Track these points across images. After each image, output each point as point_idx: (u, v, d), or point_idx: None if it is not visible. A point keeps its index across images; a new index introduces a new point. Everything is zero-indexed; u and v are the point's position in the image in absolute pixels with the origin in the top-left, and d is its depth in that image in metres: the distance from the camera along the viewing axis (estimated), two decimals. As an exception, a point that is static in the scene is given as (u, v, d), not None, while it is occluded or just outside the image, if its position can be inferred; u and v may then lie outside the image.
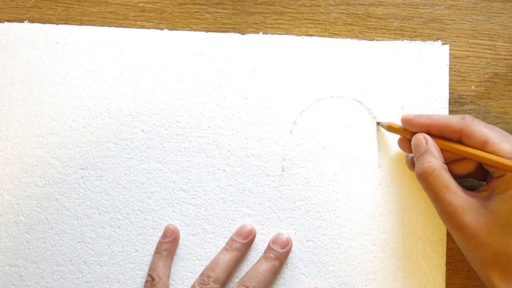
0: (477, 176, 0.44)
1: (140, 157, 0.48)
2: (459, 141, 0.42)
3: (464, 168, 0.43)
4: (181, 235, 0.47)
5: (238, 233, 0.46)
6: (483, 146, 0.40)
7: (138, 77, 0.49)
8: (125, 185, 0.47)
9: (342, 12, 0.50)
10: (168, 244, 0.46)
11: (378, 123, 0.48)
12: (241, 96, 0.48)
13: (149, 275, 0.45)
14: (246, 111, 0.48)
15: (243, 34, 0.50)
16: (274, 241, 0.46)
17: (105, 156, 0.48)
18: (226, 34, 0.50)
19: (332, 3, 0.50)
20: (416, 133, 0.44)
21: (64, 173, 0.47)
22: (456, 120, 0.42)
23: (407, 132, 0.45)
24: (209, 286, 0.43)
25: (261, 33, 0.50)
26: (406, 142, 0.46)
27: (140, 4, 0.50)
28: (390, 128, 0.46)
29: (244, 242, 0.46)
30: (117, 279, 0.46)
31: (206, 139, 0.48)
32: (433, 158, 0.41)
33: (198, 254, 0.46)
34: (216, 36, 0.49)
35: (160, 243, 0.46)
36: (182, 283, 0.46)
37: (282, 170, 0.48)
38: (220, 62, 0.49)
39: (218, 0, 0.51)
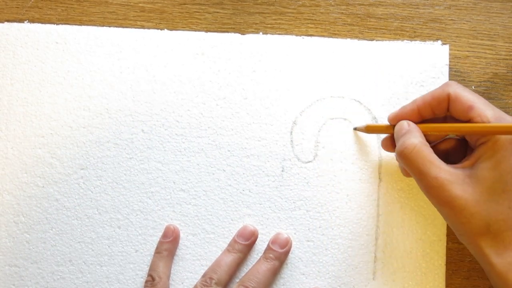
0: (457, 155, 0.44)
1: (140, 157, 0.48)
2: (447, 113, 0.42)
3: (445, 147, 0.43)
4: (181, 235, 0.47)
5: (240, 234, 0.46)
6: (468, 110, 0.40)
7: (138, 77, 0.49)
8: (125, 185, 0.47)
9: (342, 12, 0.50)
10: (169, 244, 0.46)
11: (354, 129, 0.48)
12: (241, 96, 0.48)
13: (149, 275, 0.45)
14: (246, 111, 0.48)
15: (243, 34, 0.50)
16: (273, 241, 0.46)
17: (105, 156, 0.48)
18: (226, 34, 0.50)
19: (332, 3, 0.50)
20: None
21: (64, 173, 0.47)
22: (441, 89, 0.41)
23: (389, 127, 0.44)
24: (211, 287, 0.43)
25: (261, 33, 0.50)
26: (389, 141, 0.45)
27: (140, 4, 0.50)
28: (369, 129, 0.46)
29: (246, 244, 0.46)
30: (117, 279, 0.46)
31: (206, 139, 0.48)
32: (414, 137, 0.41)
33: (198, 254, 0.46)
34: (216, 36, 0.49)
35: (160, 243, 0.46)
36: (182, 283, 0.46)
37: (282, 170, 0.48)
38: (220, 62, 0.49)
39: (218, 0, 0.50)
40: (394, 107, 0.48)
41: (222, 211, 0.47)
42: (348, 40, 0.50)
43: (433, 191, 0.39)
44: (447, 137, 0.44)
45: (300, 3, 0.50)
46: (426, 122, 0.43)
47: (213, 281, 0.44)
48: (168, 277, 0.45)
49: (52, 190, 0.47)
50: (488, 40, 0.50)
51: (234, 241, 0.46)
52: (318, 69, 0.49)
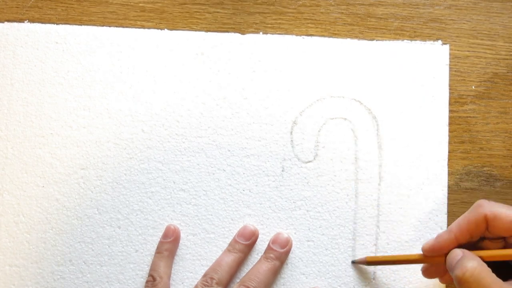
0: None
1: (140, 157, 0.48)
2: (485, 232, 0.40)
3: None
4: (181, 235, 0.47)
5: (241, 234, 0.46)
6: (511, 226, 0.39)
7: (138, 77, 0.49)
8: (125, 185, 0.47)
9: (342, 12, 0.50)
10: (169, 244, 0.46)
11: (353, 262, 0.46)
12: (241, 96, 0.48)
13: (150, 275, 0.45)
14: (246, 111, 0.48)
15: (243, 34, 0.50)
16: (274, 241, 0.46)
17: (105, 156, 0.48)
18: (226, 34, 0.49)
19: (332, 3, 0.50)
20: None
21: (64, 173, 0.47)
22: (475, 211, 0.40)
23: (392, 260, 0.44)
24: (212, 287, 0.43)
25: (261, 33, 0.50)
26: (428, 269, 0.43)
27: (140, 4, 0.50)
28: (371, 262, 0.44)
29: (246, 244, 0.46)
30: (117, 279, 0.46)
31: (206, 139, 0.48)
32: (473, 260, 0.38)
33: (198, 254, 0.46)
34: (216, 36, 0.49)
35: (161, 243, 0.46)
36: (182, 283, 0.46)
37: (282, 170, 0.48)
38: (220, 62, 0.49)
39: (218, 0, 0.50)
40: (394, 107, 0.48)
41: (222, 211, 0.47)
42: (348, 40, 0.50)
43: None
44: None
45: (300, 3, 0.50)
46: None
47: (214, 281, 0.44)
48: (169, 277, 0.45)
49: (52, 190, 0.47)
50: (488, 40, 0.50)
51: (234, 241, 0.46)
52: (318, 69, 0.49)
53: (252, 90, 0.49)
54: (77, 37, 0.49)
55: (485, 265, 0.38)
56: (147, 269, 0.46)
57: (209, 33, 0.50)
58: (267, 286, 0.45)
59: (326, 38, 0.50)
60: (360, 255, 0.46)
